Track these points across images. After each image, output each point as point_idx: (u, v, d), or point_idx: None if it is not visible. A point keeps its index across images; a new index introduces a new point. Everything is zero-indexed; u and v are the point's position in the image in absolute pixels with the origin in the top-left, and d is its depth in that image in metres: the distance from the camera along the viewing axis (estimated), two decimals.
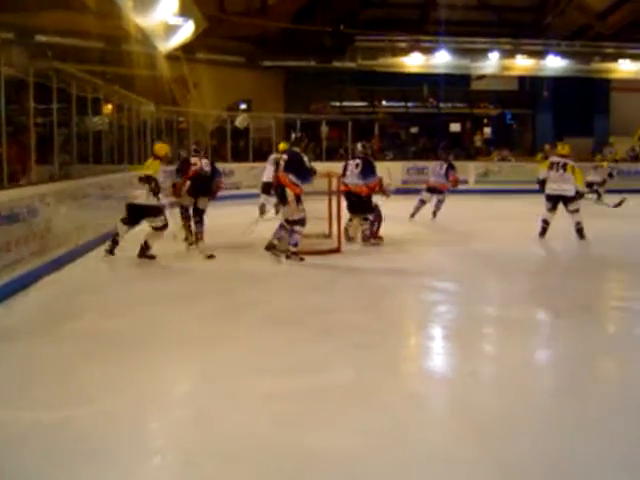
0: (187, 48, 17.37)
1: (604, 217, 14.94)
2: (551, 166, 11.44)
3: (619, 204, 14.11)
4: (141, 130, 15.87)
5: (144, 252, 9.14)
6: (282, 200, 9.39)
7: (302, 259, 9.23)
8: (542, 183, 11.54)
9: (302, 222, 9.25)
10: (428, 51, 21.78)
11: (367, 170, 10.78)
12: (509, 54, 22.41)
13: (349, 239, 10.94)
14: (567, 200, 11.29)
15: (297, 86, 23.55)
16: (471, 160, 23.80)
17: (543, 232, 11.54)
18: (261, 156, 19.65)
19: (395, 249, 10.82)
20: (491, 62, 22.37)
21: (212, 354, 5.38)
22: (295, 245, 9.26)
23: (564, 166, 11.29)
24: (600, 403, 4.51)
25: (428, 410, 4.44)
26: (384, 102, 25.94)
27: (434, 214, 14.34)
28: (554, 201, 11.38)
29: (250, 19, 19.47)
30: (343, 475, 3.51)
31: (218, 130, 21.16)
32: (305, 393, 4.60)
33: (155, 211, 9.18)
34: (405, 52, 21.71)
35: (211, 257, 9.48)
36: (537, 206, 12.59)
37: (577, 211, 11.30)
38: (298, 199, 9.21)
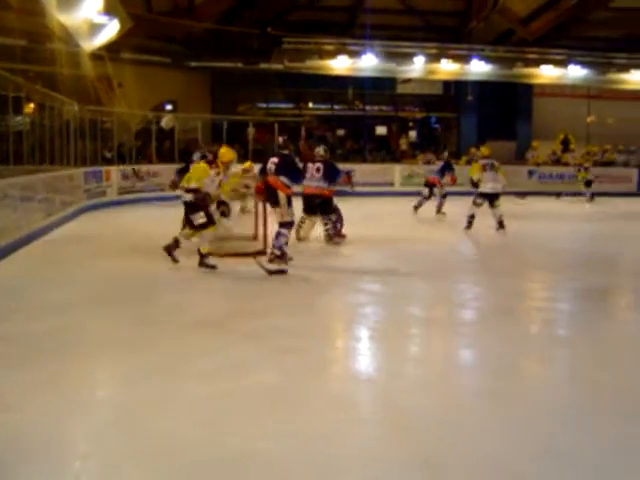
0: (112, 47, 17.33)
1: (528, 218, 15.80)
2: (484, 168, 12.88)
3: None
4: (64, 130, 15.75)
5: (202, 260, 8.91)
6: (274, 203, 9.51)
7: (286, 263, 9.17)
8: (475, 184, 13.25)
9: (290, 225, 9.44)
10: (355, 54, 22.13)
11: (332, 172, 11.21)
12: (434, 58, 22.88)
13: (300, 240, 11.30)
14: (496, 197, 12.76)
15: (224, 87, 23.70)
16: (396, 163, 24.53)
17: (469, 225, 13.01)
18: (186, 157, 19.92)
19: (324, 251, 11.05)
20: (416, 66, 22.85)
21: (135, 359, 5.38)
22: (280, 248, 9.26)
23: (492, 166, 12.78)
24: (524, 402, 4.67)
25: (354, 412, 4.49)
26: (311, 104, 26.29)
27: (438, 211, 15.93)
28: (485, 198, 12.80)
29: (177, 19, 19.57)
30: (268, 478, 3.56)
31: (143, 131, 21.10)
32: (230, 396, 4.64)
33: (195, 207, 8.91)
34: (332, 55, 22.00)
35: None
36: (459, 208, 13.29)
37: (499, 206, 12.84)
38: (289, 201, 9.36)
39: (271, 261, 9.20)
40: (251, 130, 23.79)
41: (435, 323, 6.91)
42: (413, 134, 28.11)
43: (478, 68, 23.24)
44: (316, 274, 9.17)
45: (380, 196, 21.74)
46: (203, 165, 9.20)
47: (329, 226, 11.29)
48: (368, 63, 22.35)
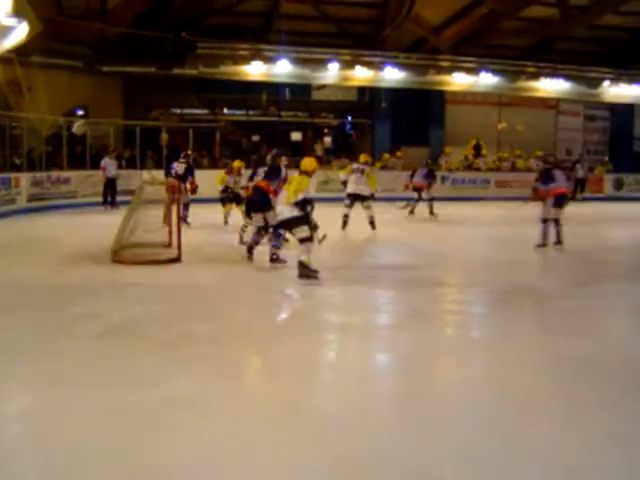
0: (21, 50, 17.10)
1: (441, 223, 16.49)
2: (353, 171, 14.86)
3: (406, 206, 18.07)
4: None
5: (305, 270, 8.98)
6: (266, 207, 10.28)
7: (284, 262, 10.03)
8: (344, 183, 15.10)
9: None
10: (269, 60, 22.22)
11: (273, 174, 11.23)
12: (348, 65, 23.16)
13: (243, 243, 11.63)
14: (363, 198, 14.66)
15: (137, 93, 23.50)
16: None
17: (344, 225, 14.74)
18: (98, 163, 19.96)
19: (236, 258, 11.04)
20: (331, 72, 23.11)
21: (45, 369, 5.37)
22: (278, 247, 10.05)
23: (362, 171, 14.75)
24: (439, 404, 4.84)
25: (269, 417, 4.57)
26: (225, 110, 26.37)
27: (431, 213, 17.81)
28: (352, 199, 14.79)
29: (88, 23, 19.42)
30: None
31: (54, 136, 20.85)
32: (146, 406, 4.65)
33: (299, 221, 9.12)
34: (247, 60, 22.05)
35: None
36: (381, 214, 13.78)
37: (369, 207, 14.73)
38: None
39: (272, 261, 10.06)
40: (164, 136, 23.82)
41: (350, 328, 7.06)
42: (328, 140, 28.48)
43: (392, 75, 23.65)
44: (224, 282, 9.31)
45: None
46: (302, 176, 9.33)
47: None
48: (283, 69, 22.50)
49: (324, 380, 5.59)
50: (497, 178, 26.56)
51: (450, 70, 24.38)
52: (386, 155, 25.55)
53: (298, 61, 22.65)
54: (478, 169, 26.97)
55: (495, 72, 24.72)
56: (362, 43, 23.93)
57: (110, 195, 19.53)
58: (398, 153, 25.71)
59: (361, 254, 12.61)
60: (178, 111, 25.64)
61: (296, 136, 27.66)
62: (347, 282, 9.50)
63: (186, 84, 23.72)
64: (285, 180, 10.46)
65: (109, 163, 19.59)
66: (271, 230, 10.20)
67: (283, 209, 9.34)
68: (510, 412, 4.74)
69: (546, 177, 12.58)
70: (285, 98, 26.66)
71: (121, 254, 10.49)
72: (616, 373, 5.67)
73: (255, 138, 27.25)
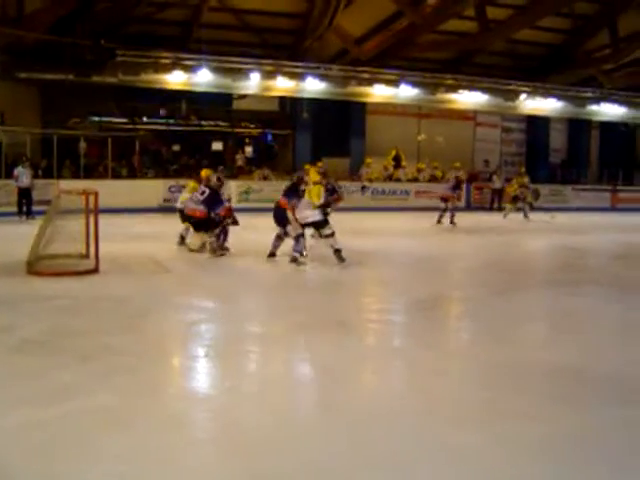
0: None
1: (363, 235, 16.90)
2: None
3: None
4: None
5: (340, 254, 11.76)
6: (284, 221, 12.29)
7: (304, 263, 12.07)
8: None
9: (303, 234, 12.18)
10: (190, 69, 22.25)
11: (213, 202, 12.45)
12: (270, 75, 23.37)
13: (191, 251, 12.91)
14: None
15: (55, 100, 23.29)
16: (233, 179, 25.19)
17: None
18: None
19: (154, 269, 11.25)
20: (252, 82, 23.30)
21: None
22: (299, 252, 12.12)
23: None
24: (359, 414, 4.92)
25: (190, 430, 4.63)
26: (145, 119, 26.23)
27: (452, 222, 19.76)
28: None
29: (4, 28, 19.27)
30: None
31: None
32: (62, 421, 4.61)
33: (324, 222, 11.91)
34: (167, 69, 22.05)
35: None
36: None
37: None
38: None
39: (294, 261, 11.94)
40: (82, 145, 23.79)
41: (271, 339, 7.13)
42: (249, 150, 28.65)
43: (313, 86, 23.97)
44: (142, 293, 9.31)
45: None
46: (317, 186, 12.27)
47: (212, 239, 12.37)
48: (203, 78, 22.58)
49: (246, 391, 5.59)
50: (416, 189, 27.23)
51: (371, 82, 24.80)
52: (306, 165, 25.93)
53: (219, 70, 22.71)
54: (398, 180, 27.63)
55: (415, 84, 25.28)
56: (284, 53, 24.19)
57: (25, 205, 19.37)
58: (319, 164, 26.12)
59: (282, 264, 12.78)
60: (97, 120, 25.45)
61: (217, 146, 27.73)
62: (266, 293, 9.66)
63: (105, 92, 23.55)
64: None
65: (22, 172, 19.39)
66: (293, 237, 12.18)
67: (309, 213, 11.86)
68: (433, 421, 4.88)
69: None
70: (206, 107, 26.71)
71: (37, 265, 10.43)
72: (538, 379, 5.97)
73: (176, 148, 27.26)
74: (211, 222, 12.50)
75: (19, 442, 4.29)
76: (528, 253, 16.16)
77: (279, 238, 12.45)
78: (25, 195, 19.35)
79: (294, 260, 11.98)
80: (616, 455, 4.44)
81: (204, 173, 14.08)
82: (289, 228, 12.25)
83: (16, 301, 8.51)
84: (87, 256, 11.06)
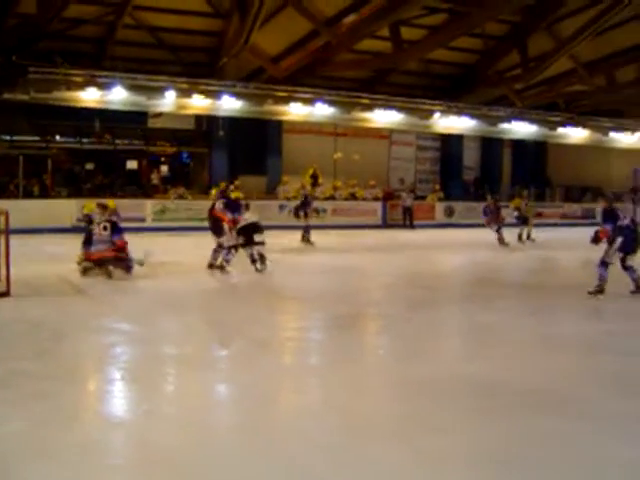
0: None
1: (288, 252, 17.10)
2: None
3: None
4: None
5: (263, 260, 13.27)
6: (220, 231, 13.68)
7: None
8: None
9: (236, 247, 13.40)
10: (104, 86, 22.18)
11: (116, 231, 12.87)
12: (185, 93, 23.53)
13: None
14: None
15: None
16: (148, 198, 25.14)
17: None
18: None
19: (67, 291, 11.16)
20: (168, 100, 23.38)
21: None
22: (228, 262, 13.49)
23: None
24: (278, 433, 5.03)
25: (106, 456, 4.63)
26: (58, 137, 25.94)
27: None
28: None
29: None
30: None
31: None
32: None
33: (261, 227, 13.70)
34: (81, 86, 21.91)
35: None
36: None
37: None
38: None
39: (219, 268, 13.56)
40: None
41: (188, 360, 7.15)
42: (165, 169, 28.59)
43: (229, 104, 24.20)
44: (55, 317, 9.15)
45: (132, 231, 22.07)
46: None
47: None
48: (118, 96, 22.54)
49: (163, 413, 5.59)
50: (333, 207, 27.60)
51: (287, 100, 25.12)
52: (222, 183, 26.03)
53: (134, 88, 22.67)
54: (315, 198, 27.91)
55: (331, 103, 25.70)
56: (200, 71, 24.23)
57: None
58: (236, 182, 26.27)
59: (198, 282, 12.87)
60: (7, 138, 25.02)
61: (132, 164, 27.63)
62: (181, 312, 9.64)
63: (17, 109, 23.17)
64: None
65: None
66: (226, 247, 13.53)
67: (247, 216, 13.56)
68: (349, 436, 5.00)
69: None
70: (120, 126, 26.55)
71: None
72: (455, 392, 6.17)
73: (89, 166, 26.98)
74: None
75: None
76: (443, 269, 16.60)
77: (216, 250, 13.79)
78: None
79: (221, 267, 13.52)
80: (535, 465, 4.66)
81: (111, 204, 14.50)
82: (223, 239, 13.62)
83: None
84: None
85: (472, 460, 4.67)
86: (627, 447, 4.96)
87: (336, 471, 4.43)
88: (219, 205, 14.06)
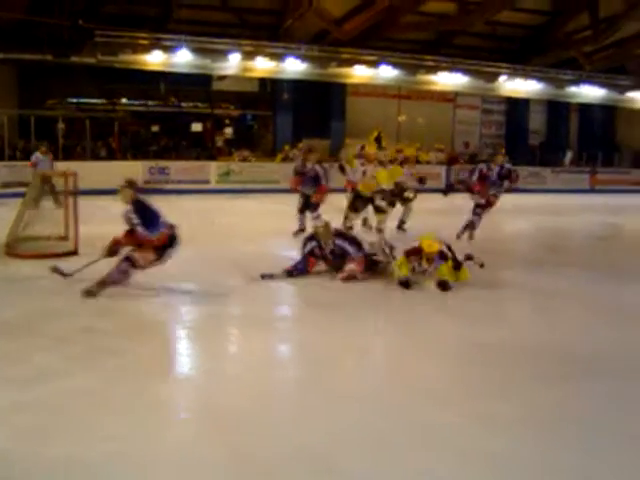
0: None
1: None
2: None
3: None
4: None
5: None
6: None
7: None
8: None
9: None
10: (169, 49, 22.29)
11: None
12: (250, 56, 23.44)
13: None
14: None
15: (32, 81, 23.36)
16: (213, 160, 25.40)
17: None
18: None
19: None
20: (232, 63, 23.38)
21: None
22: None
23: None
24: (340, 393, 5.03)
25: (172, 411, 4.78)
26: (124, 100, 26.33)
27: None
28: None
29: None
30: None
31: None
32: (45, 403, 4.70)
33: None
34: (146, 50, 22.05)
35: None
36: (280, 205, 13.98)
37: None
38: None
39: None
40: (61, 126, 23.86)
41: (250, 320, 7.17)
42: (229, 131, 28.85)
43: (294, 67, 24.10)
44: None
45: (196, 194, 22.42)
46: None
47: None
48: (183, 59, 22.64)
49: (225, 374, 5.68)
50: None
51: (351, 63, 24.91)
52: (286, 146, 26.18)
53: (198, 51, 22.73)
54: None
55: (395, 65, 25.47)
56: (264, 34, 24.27)
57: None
58: (299, 145, 26.34)
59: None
60: (74, 100, 25.42)
61: (197, 127, 27.88)
62: (248, 274, 9.36)
63: (83, 73, 23.48)
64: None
65: (41, 159, 18.21)
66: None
67: None
68: (417, 401, 5.02)
69: None
70: (185, 88, 26.78)
71: (15, 248, 10.48)
72: (523, 359, 6.09)
73: (155, 129, 27.36)
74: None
75: (4, 424, 4.37)
76: (509, 234, 16.43)
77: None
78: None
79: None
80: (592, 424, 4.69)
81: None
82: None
83: None
84: (66, 238, 11.02)
85: (527, 424, 4.69)
86: None
87: (399, 434, 4.46)
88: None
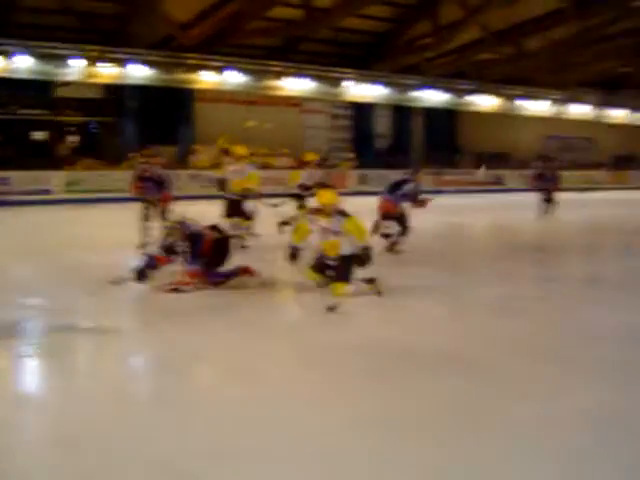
0: None
1: None
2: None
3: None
4: None
5: None
6: None
7: None
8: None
9: None
10: (9, 55, 21.71)
11: None
12: (94, 61, 23.18)
13: None
14: None
15: None
16: (57, 169, 24.57)
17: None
18: None
19: None
20: (75, 69, 22.98)
21: None
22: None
23: None
24: (189, 404, 4.86)
25: (20, 434, 4.42)
26: None
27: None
28: None
29: None
30: None
31: None
32: None
33: None
34: None
35: None
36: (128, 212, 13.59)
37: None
38: None
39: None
40: None
41: (98, 334, 6.75)
42: (74, 139, 28.11)
43: (139, 72, 23.95)
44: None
45: (40, 204, 21.55)
46: None
47: None
48: (23, 64, 22.05)
49: (75, 391, 5.70)
50: None
51: (197, 68, 25.03)
52: (130, 154, 25.72)
53: (39, 56, 22.20)
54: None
55: (242, 71, 25.69)
56: (108, 39, 23.85)
57: None
58: (146, 151, 25.82)
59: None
60: None
61: (39, 135, 27.01)
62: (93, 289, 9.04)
63: None
64: None
65: None
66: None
67: None
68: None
69: None
70: (26, 95, 25.90)
71: None
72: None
73: None
74: None
75: None
76: None
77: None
78: None
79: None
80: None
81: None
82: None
83: None
84: None
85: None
86: None
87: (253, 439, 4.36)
88: None
